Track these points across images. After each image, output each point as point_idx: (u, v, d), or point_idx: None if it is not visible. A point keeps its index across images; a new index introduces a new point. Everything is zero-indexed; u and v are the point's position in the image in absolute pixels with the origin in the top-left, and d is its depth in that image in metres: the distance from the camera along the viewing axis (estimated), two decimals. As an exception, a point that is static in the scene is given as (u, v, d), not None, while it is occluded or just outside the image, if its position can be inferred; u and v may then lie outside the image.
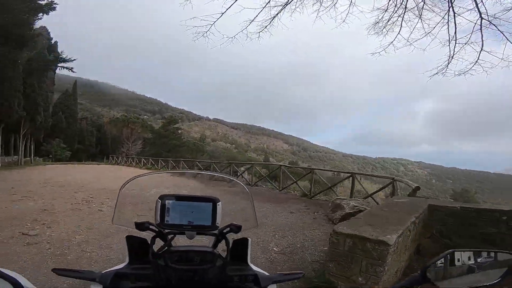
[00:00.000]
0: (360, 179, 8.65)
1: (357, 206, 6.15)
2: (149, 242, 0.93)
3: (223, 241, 0.96)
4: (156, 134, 44.27)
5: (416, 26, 6.40)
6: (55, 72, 30.05)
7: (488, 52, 6.32)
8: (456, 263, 0.82)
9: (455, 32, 6.22)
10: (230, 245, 0.97)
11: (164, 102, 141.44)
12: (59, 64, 25.82)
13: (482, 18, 5.67)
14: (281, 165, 12.26)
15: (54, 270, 0.84)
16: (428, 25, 6.50)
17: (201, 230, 0.97)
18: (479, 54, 6.33)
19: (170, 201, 0.96)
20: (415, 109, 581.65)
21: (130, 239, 1.01)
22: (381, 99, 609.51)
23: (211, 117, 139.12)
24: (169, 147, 41.39)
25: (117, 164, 32.23)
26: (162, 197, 0.96)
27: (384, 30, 6.72)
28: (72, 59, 25.17)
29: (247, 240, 1.04)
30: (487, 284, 0.79)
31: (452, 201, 3.87)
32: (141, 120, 50.56)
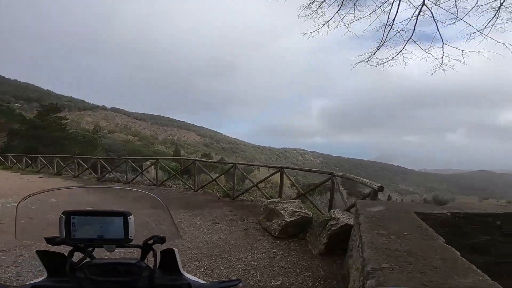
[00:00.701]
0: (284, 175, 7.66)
1: (297, 211, 4.98)
2: (67, 255, 0.90)
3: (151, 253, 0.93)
4: (29, 125, 34.20)
5: (349, 12, 5.85)
6: None
7: (415, 41, 6.34)
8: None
9: (395, 17, 5.88)
10: (159, 256, 0.93)
11: (45, 89, 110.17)
12: None
13: (424, 4, 5.40)
14: (195, 160, 10.23)
15: None
16: (359, 11, 6.03)
17: (114, 243, 0.90)
18: (406, 43, 6.23)
19: (76, 216, 0.88)
20: (312, 105, 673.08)
21: (42, 253, 0.93)
22: (286, 96, 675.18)
23: (108, 106, 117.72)
24: (49, 141, 32.74)
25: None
26: (66, 213, 0.88)
27: (318, 11, 5.90)
28: None
29: (174, 250, 0.98)
30: None
31: (439, 207, 3.10)
32: (5, 107, 38.04)
